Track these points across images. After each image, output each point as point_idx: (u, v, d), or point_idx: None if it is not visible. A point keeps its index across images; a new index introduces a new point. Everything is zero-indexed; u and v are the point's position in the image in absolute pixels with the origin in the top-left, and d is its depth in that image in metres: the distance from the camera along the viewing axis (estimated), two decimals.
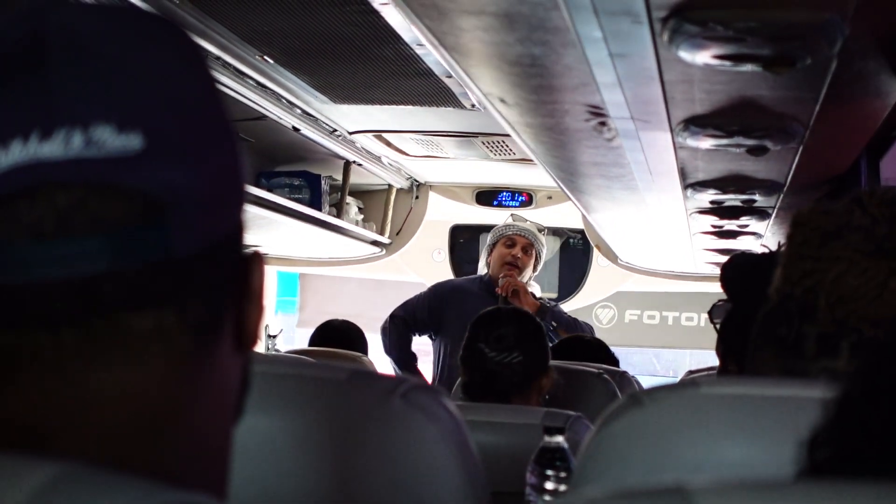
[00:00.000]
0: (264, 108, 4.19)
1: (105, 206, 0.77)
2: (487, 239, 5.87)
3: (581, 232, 7.37)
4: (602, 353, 4.55)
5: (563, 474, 2.16)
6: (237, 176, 0.86)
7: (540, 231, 5.82)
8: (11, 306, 0.77)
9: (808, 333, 1.46)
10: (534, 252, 5.71)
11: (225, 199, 0.84)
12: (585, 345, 4.60)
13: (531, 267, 5.73)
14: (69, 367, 0.78)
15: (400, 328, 5.60)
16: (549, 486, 2.15)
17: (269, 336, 6.47)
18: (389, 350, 5.61)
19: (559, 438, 2.18)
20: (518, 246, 5.67)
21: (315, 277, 8.38)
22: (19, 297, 0.77)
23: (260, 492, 1.37)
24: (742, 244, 5.24)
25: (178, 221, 0.79)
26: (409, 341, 5.67)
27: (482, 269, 5.92)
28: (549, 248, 7.71)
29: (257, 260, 0.90)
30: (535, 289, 5.96)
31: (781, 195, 4.09)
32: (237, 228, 0.87)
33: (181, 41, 0.86)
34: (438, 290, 5.75)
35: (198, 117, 0.83)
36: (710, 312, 2.86)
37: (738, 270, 2.78)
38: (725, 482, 0.70)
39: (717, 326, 2.75)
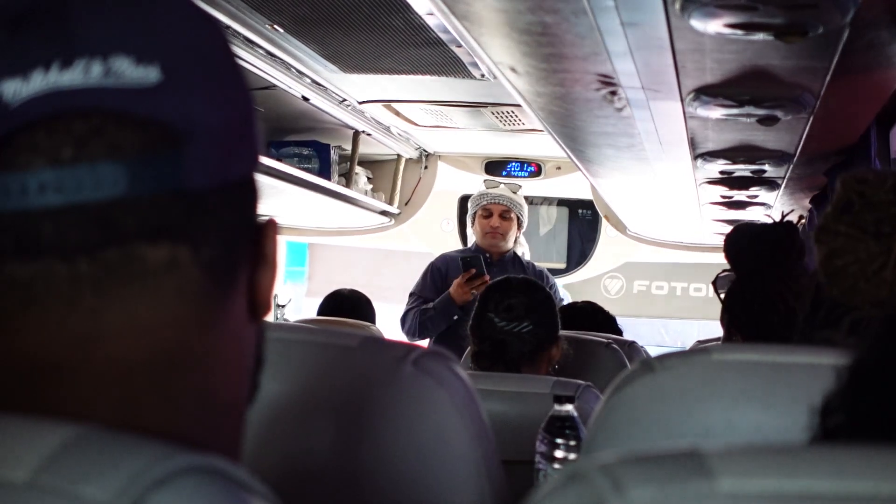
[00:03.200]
0: (274, 78, 4.18)
1: (122, 134, 0.79)
2: (469, 209, 5.90)
3: (590, 202, 7.36)
4: (607, 322, 4.54)
5: (572, 443, 2.16)
6: (251, 124, 0.88)
7: (515, 192, 5.83)
8: (27, 235, 0.78)
9: (822, 303, 1.47)
10: (513, 215, 5.75)
11: (240, 139, 0.86)
12: (590, 314, 4.60)
13: (514, 230, 5.78)
14: (83, 298, 0.79)
15: (417, 314, 5.58)
16: (559, 454, 2.16)
17: (279, 305, 6.48)
18: (418, 333, 5.56)
19: (569, 407, 2.19)
20: (495, 214, 5.73)
21: (324, 247, 8.38)
22: (36, 226, 0.78)
23: (271, 457, 1.38)
24: (751, 215, 5.24)
25: (192, 153, 0.80)
26: None
27: (471, 237, 5.95)
28: (557, 219, 7.71)
29: (271, 227, 0.90)
30: (524, 248, 6.03)
31: (791, 165, 4.08)
32: (250, 175, 0.88)
33: None
34: (437, 266, 5.76)
35: (213, 63, 0.85)
36: (714, 283, 2.87)
37: (741, 240, 2.79)
38: (740, 446, 0.70)
39: (721, 296, 2.76)
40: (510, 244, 5.75)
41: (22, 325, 0.80)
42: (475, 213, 5.79)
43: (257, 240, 0.89)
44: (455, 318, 5.35)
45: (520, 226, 5.82)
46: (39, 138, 0.78)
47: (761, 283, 2.64)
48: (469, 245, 5.95)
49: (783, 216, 2.82)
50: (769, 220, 2.84)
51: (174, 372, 0.82)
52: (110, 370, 0.80)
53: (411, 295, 5.70)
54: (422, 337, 5.51)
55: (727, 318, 2.73)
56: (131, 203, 0.78)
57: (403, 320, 5.58)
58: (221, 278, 0.84)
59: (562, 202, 7.85)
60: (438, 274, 5.70)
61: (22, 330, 0.80)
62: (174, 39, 0.82)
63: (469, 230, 6.01)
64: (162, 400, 0.80)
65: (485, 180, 6.10)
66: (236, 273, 0.86)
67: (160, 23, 0.82)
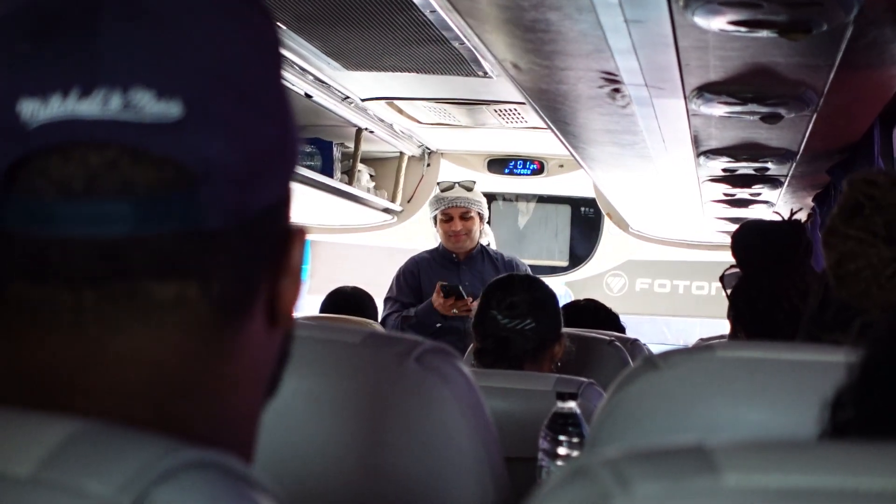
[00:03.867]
0: None
1: (136, 170, 0.77)
2: (429, 211, 5.90)
3: (592, 200, 7.36)
4: (609, 320, 4.54)
5: (575, 440, 2.15)
6: (285, 148, 0.85)
7: (470, 189, 5.82)
8: (36, 260, 0.77)
9: (830, 304, 1.46)
10: (473, 214, 5.76)
11: (265, 175, 0.83)
12: (593, 312, 4.60)
13: (476, 227, 5.79)
14: (87, 327, 0.78)
15: (398, 319, 5.60)
16: (562, 451, 2.15)
17: None
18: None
19: (572, 404, 2.18)
20: (455, 218, 5.75)
21: (326, 245, 8.37)
22: (44, 251, 0.77)
23: (274, 453, 1.37)
24: (754, 213, 5.23)
25: (208, 194, 0.78)
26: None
27: (436, 239, 5.95)
28: (560, 216, 7.71)
29: (299, 235, 0.88)
30: (490, 237, 6.08)
31: (794, 163, 4.08)
32: (280, 202, 0.86)
33: (249, 7, 0.84)
34: (409, 270, 5.79)
35: (247, 86, 0.81)
36: (721, 279, 2.87)
37: (748, 238, 2.78)
38: (746, 442, 0.70)
39: (728, 293, 2.76)
40: (475, 241, 5.78)
41: (26, 344, 0.79)
42: (435, 217, 5.80)
43: (283, 249, 0.87)
44: (438, 325, 5.39)
45: (482, 219, 5.83)
46: (53, 165, 0.76)
47: (767, 280, 2.64)
48: (436, 245, 5.94)
49: (791, 214, 2.81)
50: (777, 218, 2.83)
51: (178, 399, 0.81)
52: (112, 395, 0.79)
53: (387, 300, 5.73)
54: None
55: (733, 315, 2.73)
56: (140, 240, 0.77)
57: (384, 325, 5.58)
58: (233, 309, 0.83)
59: (564, 200, 7.84)
60: (411, 276, 5.75)
61: (28, 347, 0.79)
62: (204, 67, 0.79)
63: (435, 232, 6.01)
64: (166, 425, 0.79)
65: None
66: (252, 299, 0.84)
67: (193, 49, 0.79)
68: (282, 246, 0.87)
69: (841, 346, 1.32)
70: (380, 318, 5.54)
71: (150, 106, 0.76)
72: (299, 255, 0.88)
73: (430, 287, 5.50)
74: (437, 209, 5.80)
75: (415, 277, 5.73)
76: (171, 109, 0.77)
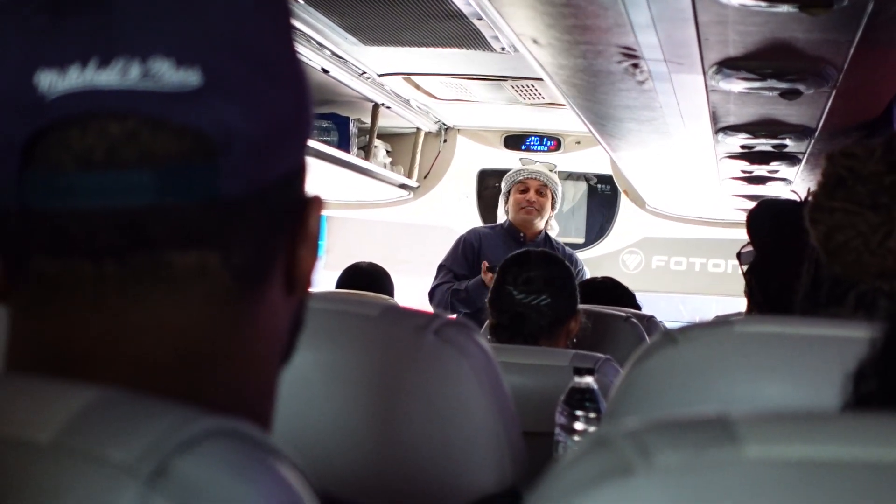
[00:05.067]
0: None
1: (156, 140, 0.77)
2: (502, 186, 5.84)
3: (609, 177, 7.34)
4: (625, 297, 4.53)
5: (592, 415, 2.16)
6: (301, 117, 0.85)
7: (551, 171, 5.81)
8: (57, 233, 0.77)
9: (823, 281, 1.46)
10: (549, 192, 5.72)
11: (283, 143, 0.83)
12: (609, 289, 4.59)
13: (548, 207, 5.74)
14: (109, 299, 0.78)
15: (448, 292, 5.54)
16: (579, 426, 2.15)
17: None
18: (449, 310, 5.48)
19: (589, 379, 2.18)
20: (532, 190, 5.68)
21: (342, 220, 8.38)
22: (65, 224, 0.77)
23: (293, 425, 1.38)
24: (771, 190, 5.22)
25: (228, 162, 0.78)
26: None
27: (501, 216, 5.89)
28: (576, 193, 7.69)
29: (316, 204, 0.88)
30: (555, 229, 5.97)
31: (813, 140, 4.07)
32: (297, 171, 0.86)
33: None
34: (469, 241, 5.70)
35: (262, 56, 0.81)
36: (738, 255, 2.86)
37: (763, 217, 2.77)
38: (768, 413, 0.69)
39: (744, 271, 2.75)
40: (543, 223, 5.71)
41: (48, 317, 0.80)
42: (510, 189, 5.75)
43: (300, 217, 0.87)
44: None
45: (553, 205, 5.78)
46: (73, 137, 0.76)
47: (782, 259, 2.63)
48: (501, 222, 5.87)
49: (809, 193, 2.80)
50: (794, 196, 2.82)
51: (201, 369, 0.81)
52: (134, 367, 0.79)
53: (441, 267, 5.64)
54: (453, 311, 5.47)
55: (748, 293, 2.73)
56: (161, 210, 0.77)
57: (432, 294, 5.54)
58: (253, 278, 0.83)
59: (580, 177, 7.83)
60: (471, 249, 5.64)
61: (48, 322, 0.80)
62: (221, 36, 0.79)
63: (500, 209, 5.94)
64: (188, 394, 0.79)
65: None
66: (271, 267, 0.85)
67: (209, 18, 0.78)
68: (299, 214, 0.87)
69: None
70: (430, 286, 5.54)
71: (170, 75, 0.76)
72: (316, 223, 0.88)
73: (490, 259, 5.33)
74: (514, 180, 5.75)
75: (474, 251, 5.63)
76: (190, 78, 0.77)
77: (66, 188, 0.76)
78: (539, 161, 5.90)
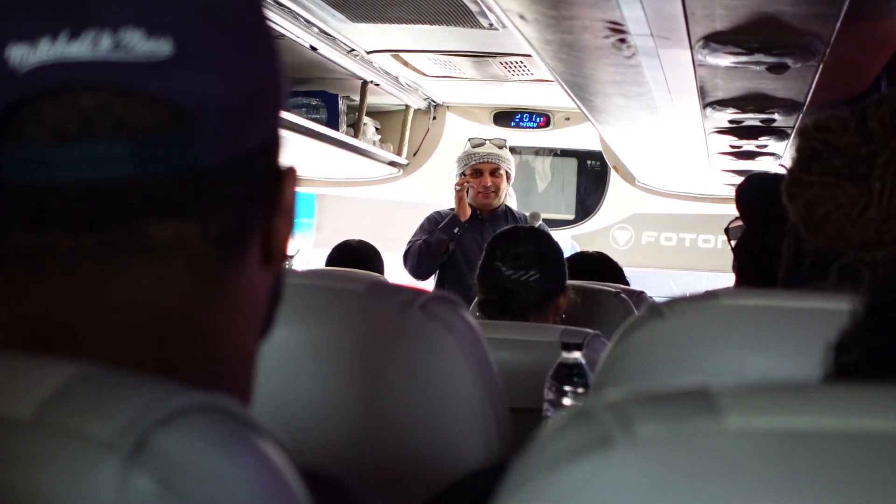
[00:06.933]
0: (281, 27, 4.16)
1: (129, 111, 0.77)
2: (456, 168, 5.88)
3: (599, 153, 7.34)
4: (614, 272, 4.53)
5: (580, 390, 2.16)
6: (273, 87, 0.85)
7: (501, 147, 5.83)
8: (33, 207, 0.77)
9: (805, 256, 1.46)
10: (503, 171, 5.77)
11: (257, 111, 0.83)
12: (598, 264, 4.59)
13: (504, 185, 5.82)
14: (87, 271, 0.78)
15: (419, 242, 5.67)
16: (567, 401, 2.15)
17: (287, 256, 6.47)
18: (416, 268, 5.67)
19: (577, 354, 2.18)
20: (486, 173, 5.74)
21: (332, 198, 8.38)
22: (41, 199, 0.77)
23: (278, 400, 1.38)
24: (760, 165, 5.22)
25: (203, 131, 0.78)
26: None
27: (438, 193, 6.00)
28: (566, 170, 7.69)
29: (291, 175, 0.88)
30: (512, 201, 6.07)
31: (801, 114, 4.07)
32: (270, 141, 0.86)
33: None
34: (434, 219, 5.82)
35: (234, 25, 0.81)
36: (726, 230, 2.86)
37: (752, 191, 2.77)
38: (750, 384, 0.69)
39: (733, 246, 2.75)
40: (501, 199, 5.79)
41: (26, 292, 0.79)
42: (463, 174, 5.79)
43: (276, 188, 0.87)
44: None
45: (508, 179, 5.83)
46: (46, 110, 0.76)
47: (771, 234, 2.63)
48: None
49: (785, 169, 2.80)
50: (782, 171, 2.82)
51: (179, 341, 0.81)
52: (113, 340, 0.79)
53: (410, 243, 5.78)
54: (424, 264, 5.62)
55: (737, 268, 2.73)
56: (137, 182, 0.77)
57: (406, 256, 5.67)
58: (230, 248, 0.83)
59: (570, 153, 7.82)
60: (435, 225, 5.77)
61: (26, 297, 0.79)
62: (192, 6, 0.79)
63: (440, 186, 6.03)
64: (167, 367, 0.79)
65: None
66: (248, 238, 0.85)
67: None
68: (274, 184, 0.87)
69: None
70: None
71: (141, 45, 0.76)
72: (291, 193, 0.89)
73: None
74: (466, 164, 5.78)
75: (438, 225, 5.75)
76: (161, 47, 0.77)
77: (41, 162, 0.76)
78: (488, 140, 5.88)
